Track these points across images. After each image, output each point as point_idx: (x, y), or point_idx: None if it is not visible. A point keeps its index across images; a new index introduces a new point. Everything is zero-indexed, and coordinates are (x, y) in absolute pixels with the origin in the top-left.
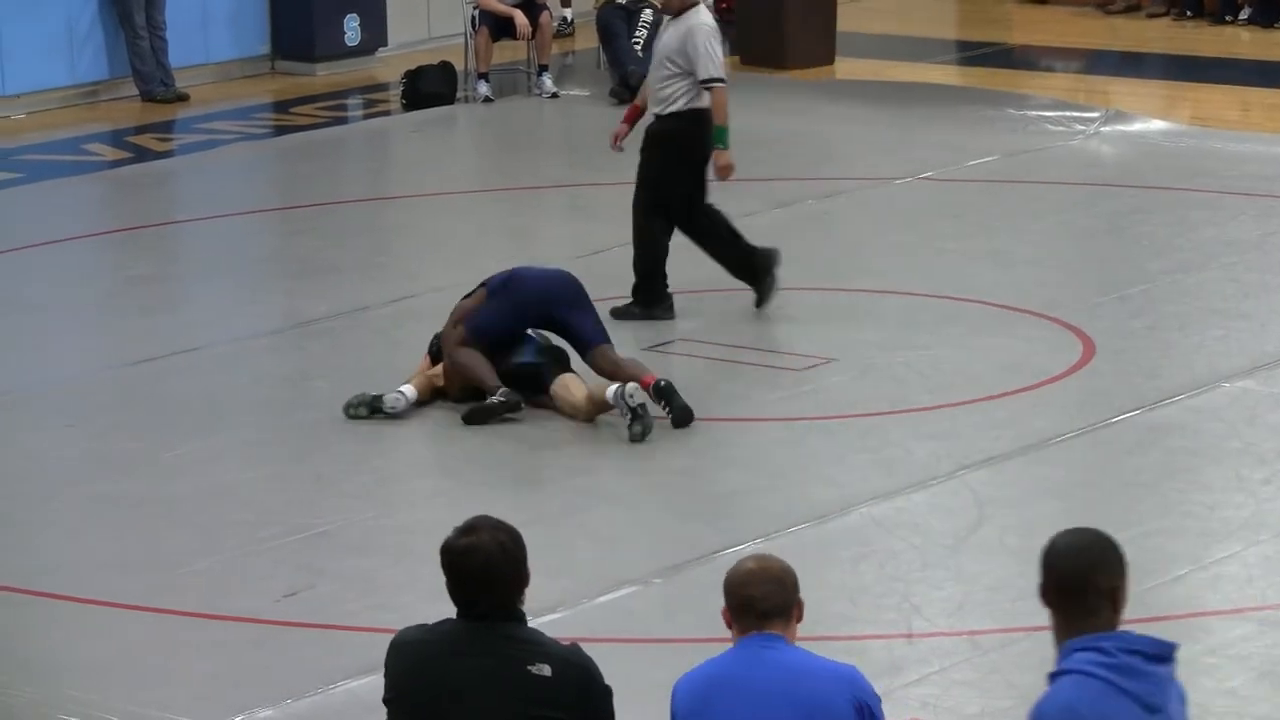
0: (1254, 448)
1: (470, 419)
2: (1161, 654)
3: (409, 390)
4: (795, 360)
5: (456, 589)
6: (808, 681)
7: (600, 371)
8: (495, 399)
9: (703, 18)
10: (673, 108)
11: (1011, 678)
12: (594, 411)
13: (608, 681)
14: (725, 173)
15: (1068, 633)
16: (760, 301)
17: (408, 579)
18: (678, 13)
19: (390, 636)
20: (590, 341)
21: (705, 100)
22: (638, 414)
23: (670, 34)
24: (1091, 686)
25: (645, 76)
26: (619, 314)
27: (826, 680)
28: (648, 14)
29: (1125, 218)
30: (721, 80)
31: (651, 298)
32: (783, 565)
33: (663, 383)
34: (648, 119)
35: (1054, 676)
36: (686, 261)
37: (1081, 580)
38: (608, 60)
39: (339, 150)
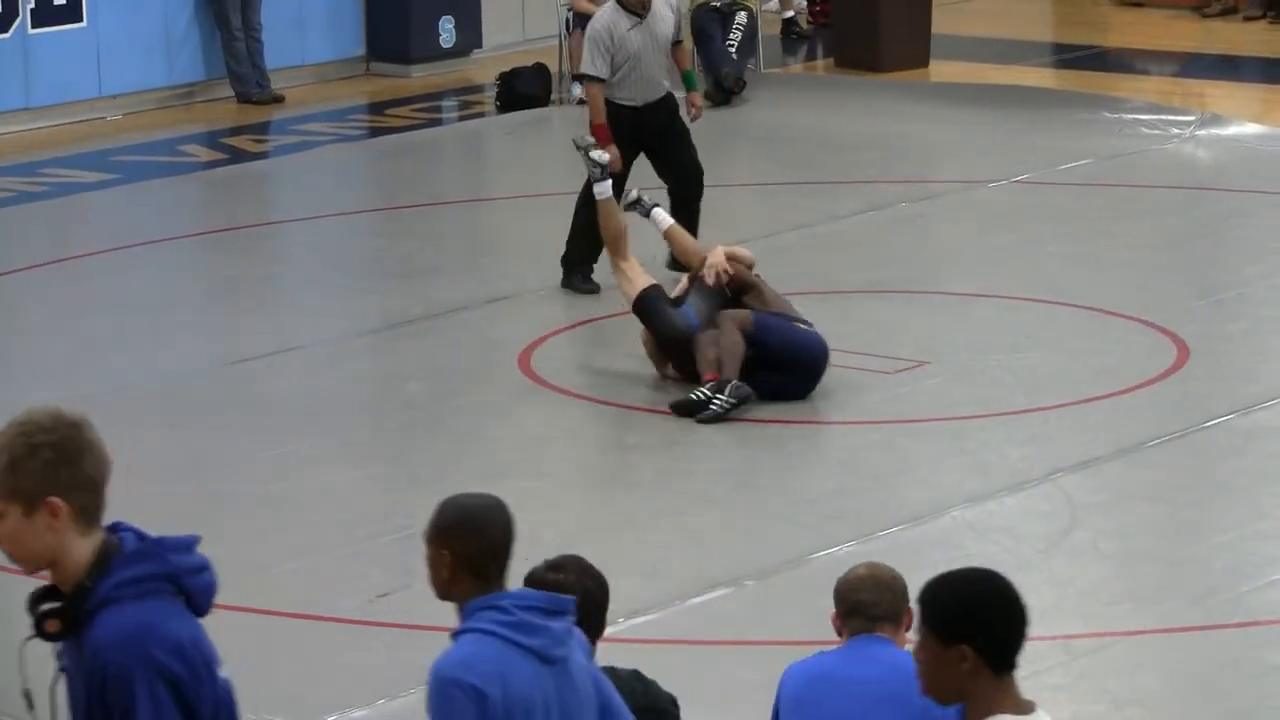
0: None
1: (683, 411)
2: (558, 609)
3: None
4: (889, 363)
5: None
6: (914, 683)
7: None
8: (724, 400)
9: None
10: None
11: (1104, 682)
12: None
13: (698, 684)
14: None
15: (477, 595)
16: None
17: None
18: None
19: None
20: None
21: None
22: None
23: (658, 23)
24: (488, 643)
25: (740, 78)
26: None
27: None
28: (742, 16)
29: (1221, 221)
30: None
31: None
32: (893, 572)
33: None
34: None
35: (455, 635)
36: (787, 264)
37: (498, 548)
38: (702, 63)
39: (433, 152)
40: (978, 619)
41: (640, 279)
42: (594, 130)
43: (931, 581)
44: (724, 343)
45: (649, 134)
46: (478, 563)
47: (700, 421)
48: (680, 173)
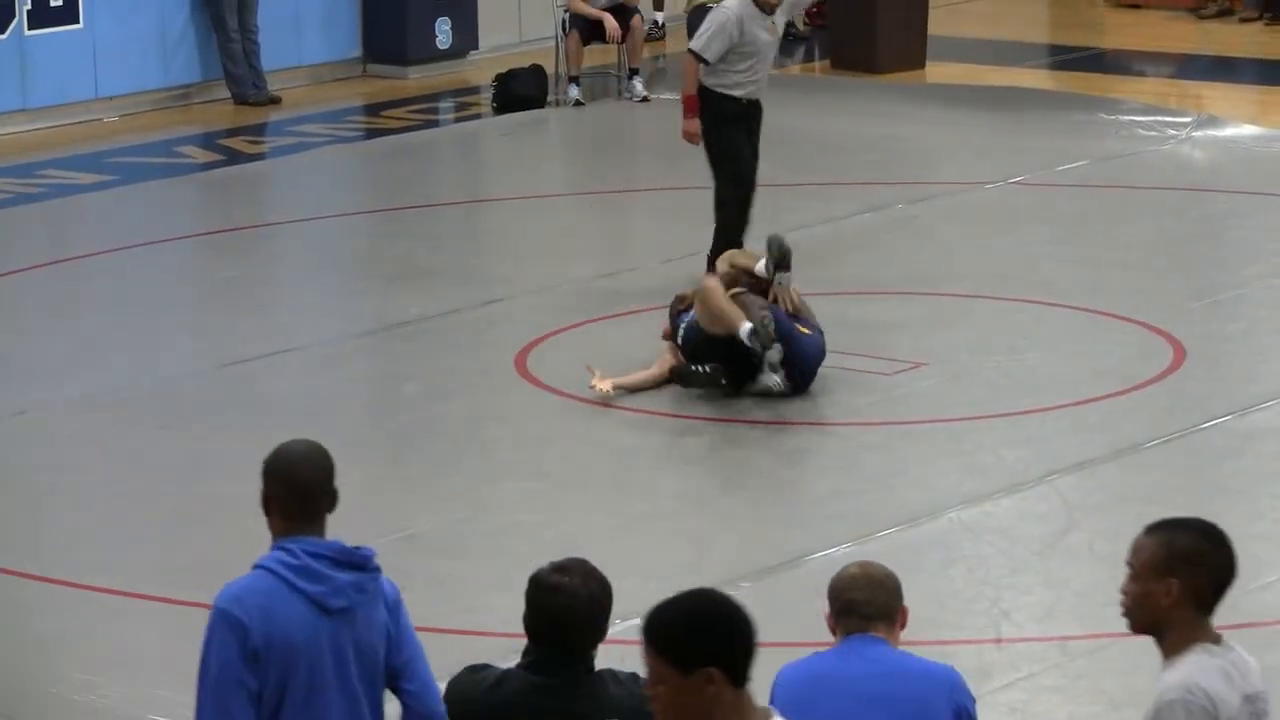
0: None
1: (683, 380)
2: (351, 561)
3: None
4: (886, 365)
5: (533, 622)
6: (908, 682)
7: None
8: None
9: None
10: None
11: (1100, 684)
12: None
13: None
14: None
15: (282, 534)
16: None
17: (498, 581)
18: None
19: (476, 640)
20: None
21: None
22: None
23: (781, 24)
24: (265, 580)
25: None
26: None
27: (926, 682)
28: None
29: (1218, 223)
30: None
31: None
32: (886, 571)
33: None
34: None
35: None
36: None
37: (306, 491)
38: None
39: (430, 153)
40: (719, 641)
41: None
42: (684, 99)
43: (655, 611)
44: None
45: (747, 128)
46: (285, 504)
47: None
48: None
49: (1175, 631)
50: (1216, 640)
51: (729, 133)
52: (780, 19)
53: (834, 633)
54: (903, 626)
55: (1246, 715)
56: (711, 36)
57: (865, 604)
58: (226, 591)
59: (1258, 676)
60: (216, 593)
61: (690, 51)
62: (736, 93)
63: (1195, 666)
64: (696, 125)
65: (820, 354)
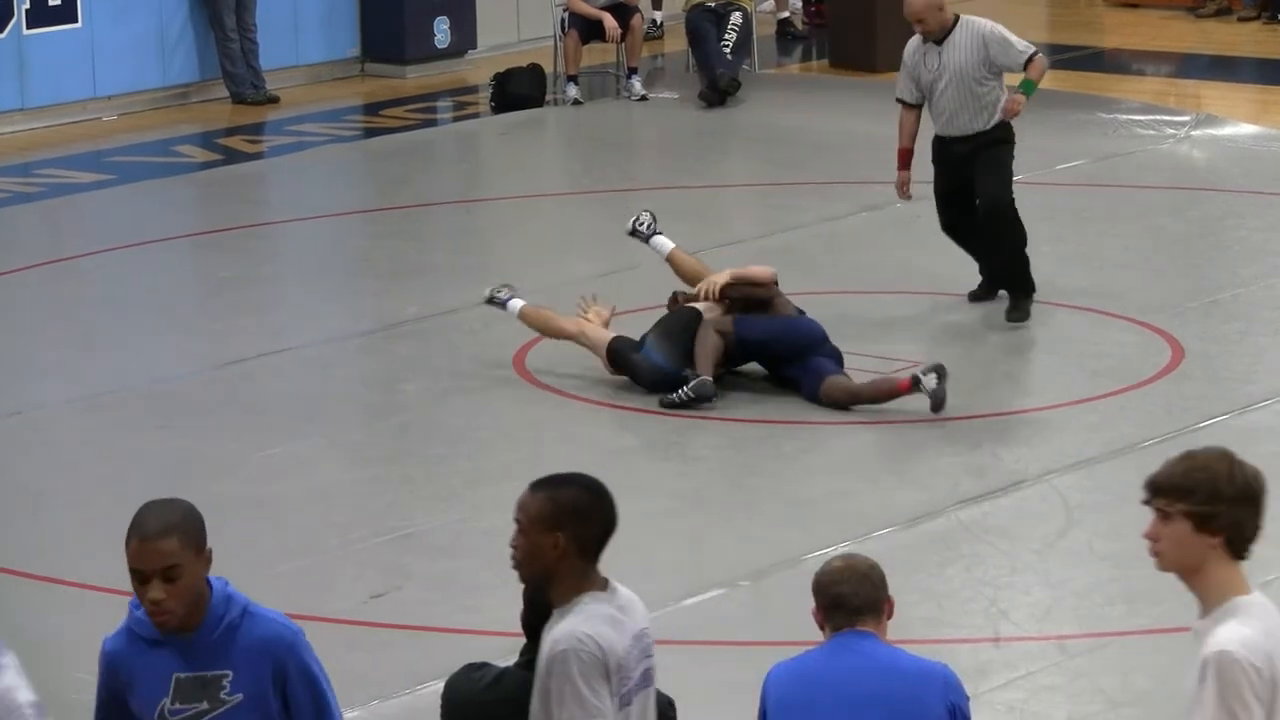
0: None
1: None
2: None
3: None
4: (884, 364)
5: (529, 619)
6: (901, 681)
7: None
8: (684, 392)
9: (976, 21)
10: (996, 117)
11: (1099, 683)
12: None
13: (693, 685)
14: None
15: None
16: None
17: (495, 581)
18: (944, 33)
19: (475, 639)
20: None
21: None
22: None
23: (957, 54)
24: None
25: (735, 78)
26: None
27: (920, 680)
28: (737, 17)
29: (1216, 222)
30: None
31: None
32: (870, 562)
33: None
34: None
35: None
36: (782, 264)
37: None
38: (697, 63)
39: (428, 153)
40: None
41: (598, 334)
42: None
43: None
44: (698, 346)
45: (950, 165)
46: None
47: (663, 405)
48: (979, 206)
49: (564, 582)
50: (604, 586)
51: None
52: (961, 49)
53: (822, 629)
54: (889, 617)
55: (637, 652)
56: (899, 77)
57: (852, 596)
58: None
59: (643, 613)
60: None
61: (1037, 54)
62: (936, 129)
63: (584, 615)
64: (903, 176)
65: (812, 325)
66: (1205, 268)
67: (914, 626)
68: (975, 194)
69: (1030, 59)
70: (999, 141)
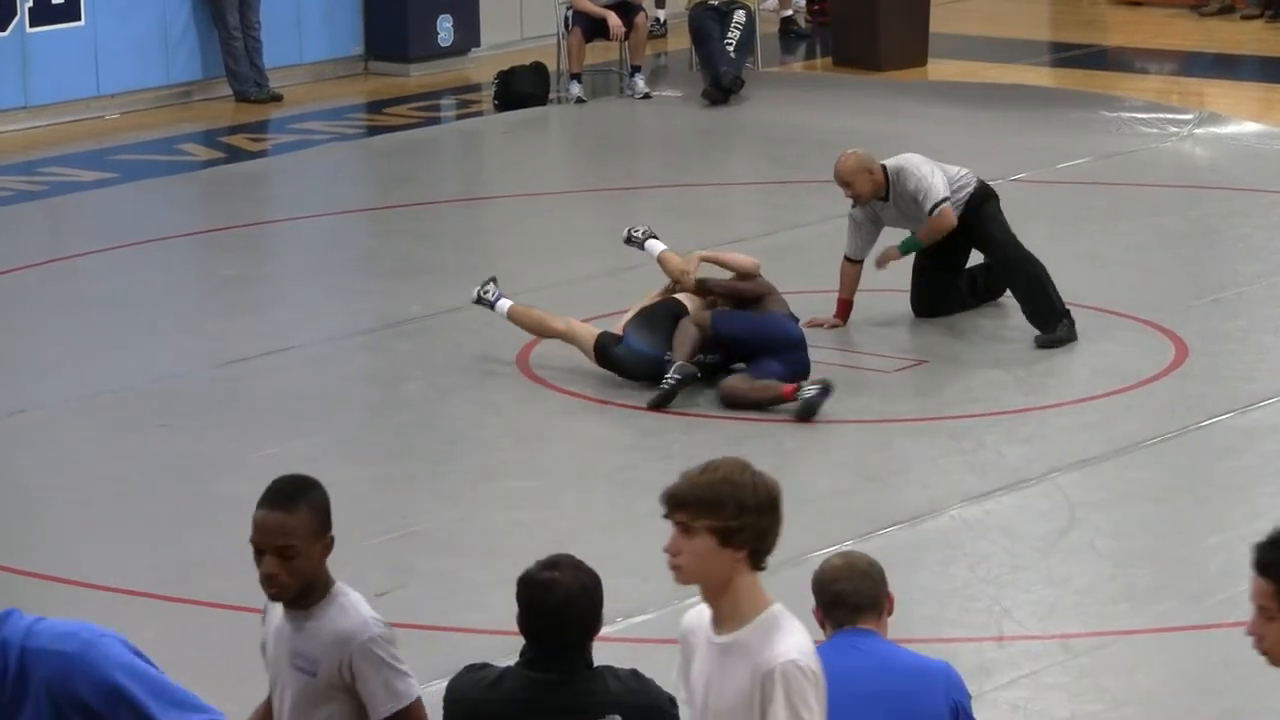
0: None
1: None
2: None
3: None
4: (887, 362)
5: (528, 621)
6: (902, 678)
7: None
8: (670, 379)
9: (903, 170)
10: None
11: (1102, 681)
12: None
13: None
14: (885, 262)
15: None
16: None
17: (498, 579)
18: (884, 191)
19: (477, 638)
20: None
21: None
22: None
23: (905, 204)
24: None
25: (738, 77)
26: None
27: (921, 677)
28: (740, 15)
29: (1219, 220)
30: (945, 200)
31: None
32: (869, 559)
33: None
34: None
35: None
36: (785, 263)
37: None
38: (700, 61)
39: (431, 151)
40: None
41: (584, 331)
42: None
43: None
44: (677, 335)
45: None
46: None
47: (650, 407)
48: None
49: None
50: None
51: None
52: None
53: (823, 627)
54: (890, 614)
55: None
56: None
57: (853, 594)
58: None
59: None
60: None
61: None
62: None
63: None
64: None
65: (790, 323)
66: (1208, 266)
67: (917, 625)
68: (981, 250)
69: (933, 210)
70: (982, 201)
